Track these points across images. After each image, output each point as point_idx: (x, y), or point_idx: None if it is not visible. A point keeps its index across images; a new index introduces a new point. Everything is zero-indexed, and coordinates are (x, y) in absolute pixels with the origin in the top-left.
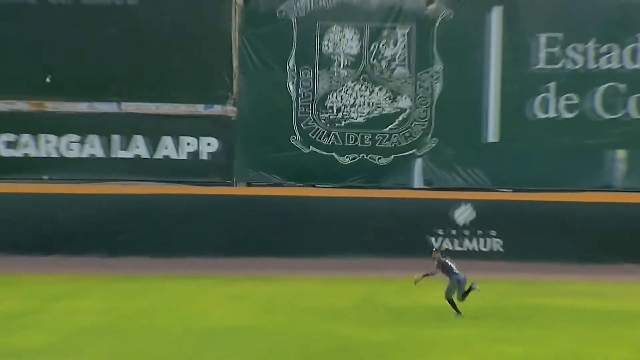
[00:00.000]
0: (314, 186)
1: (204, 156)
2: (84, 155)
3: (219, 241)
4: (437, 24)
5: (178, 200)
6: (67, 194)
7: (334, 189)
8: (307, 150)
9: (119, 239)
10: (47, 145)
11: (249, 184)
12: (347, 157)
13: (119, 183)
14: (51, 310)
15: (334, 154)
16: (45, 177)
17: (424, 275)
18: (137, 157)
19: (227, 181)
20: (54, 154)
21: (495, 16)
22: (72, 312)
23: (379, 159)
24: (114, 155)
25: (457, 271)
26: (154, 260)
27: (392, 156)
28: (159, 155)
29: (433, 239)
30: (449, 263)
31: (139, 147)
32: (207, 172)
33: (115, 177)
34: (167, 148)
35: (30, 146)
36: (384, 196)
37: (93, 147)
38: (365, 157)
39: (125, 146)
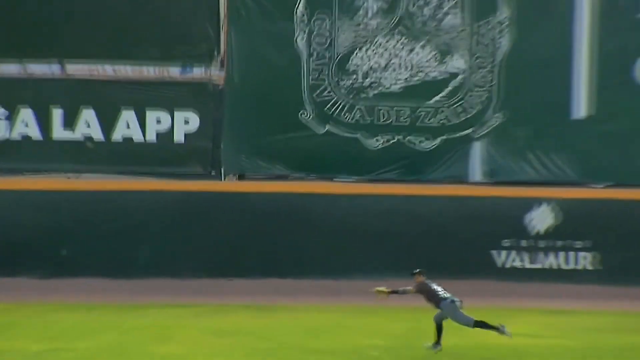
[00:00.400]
0: (331, 180)
1: (179, 138)
2: (13, 136)
3: (200, 257)
4: None
5: (144, 200)
6: None
7: (358, 184)
8: (322, 131)
9: (63, 253)
10: None
11: (241, 177)
12: (377, 140)
13: (61, 176)
14: None
15: (359, 135)
16: None
17: (391, 292)
18: (87, 140)
19: (212, 173)
20: None
21: None
22: None
23: (421, 142)
24: (54, 137)
25: (447, 295)
26: (110, 282)
27: (440, 138)
28: (116, 136)
29: (496, 254)
30: (434, 287)
31: (89, 126)
32: (184, 160)
33: (55, 167)
34: (128, 127)
35: None
36: (427, 194)
37: (26, 126)
38: (402, 139)
39: (70, 124)
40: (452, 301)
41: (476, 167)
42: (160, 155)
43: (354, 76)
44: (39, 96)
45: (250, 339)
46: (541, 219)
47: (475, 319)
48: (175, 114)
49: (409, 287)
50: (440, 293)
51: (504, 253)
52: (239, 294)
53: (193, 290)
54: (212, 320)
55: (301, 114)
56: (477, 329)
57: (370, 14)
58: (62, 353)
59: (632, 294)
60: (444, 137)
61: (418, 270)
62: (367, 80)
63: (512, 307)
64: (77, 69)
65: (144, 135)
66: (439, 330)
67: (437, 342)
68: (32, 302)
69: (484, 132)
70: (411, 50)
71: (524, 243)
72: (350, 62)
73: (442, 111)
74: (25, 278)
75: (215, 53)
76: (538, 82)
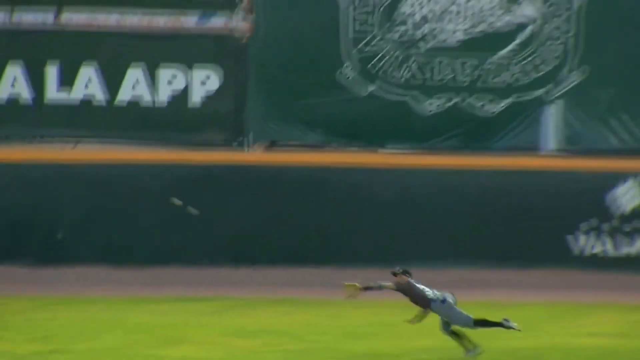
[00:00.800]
0: (376, 150)
1: (196, 100)
2: (0, 99)
3: (219, 241)
4: None
5: (153, 174)
6: None
7: (409, 155)
8: (366, 92)
9: (58, 236)
10: None
11: (269, 147)
12: (431, 103)
13: (56, 144)
14: None
15: (409, 97)
16: None
17: (366, 288)
18: (87, 102)
19: (235, 142)
20: None
21: None
22: None
23: (483, 105)
24: (48, 99)
25: (437, 294)
26: (113, 271)
27: (506, 101)
28: (122, 98)
29: (573, 239)
30: (420, 287)
31: (89, 86)
32: (201, 126)
33: (49, 135)
34: (135, 87)
35: None
36: (490, 167)
37: (13, 86)
38: (461, 102)
39: (66, 84)
40: (444, 301)
41: (549, 134)
42: (174, 121)
43: (404, 27)
44: (30, 51)
45: (279, 340)
46: (627, 197)
47: (475, 317)
48: (191, 72)
49: (388, 283)
50: (428, 293)
51: (582, 238)
52: (266, 286)
53: (211, 282)
54: (234, 318)
55: (340, 71)
56: (480, 329)
57: None
58: (57, 356)
59: None
60: (511, 99)
61: (400, 270)
62: (419, 31)
63: (592, 301)
64: (74, 18)
65: (154, 97)
66: (458, 337)
67: (469, 348)
68: (21, 294)
69: (559, 93)
70: None
71: (606, 226)
72: (399, 9)
73: (509, 68)
74: (12, 266)
75: None
76: (625, 33)
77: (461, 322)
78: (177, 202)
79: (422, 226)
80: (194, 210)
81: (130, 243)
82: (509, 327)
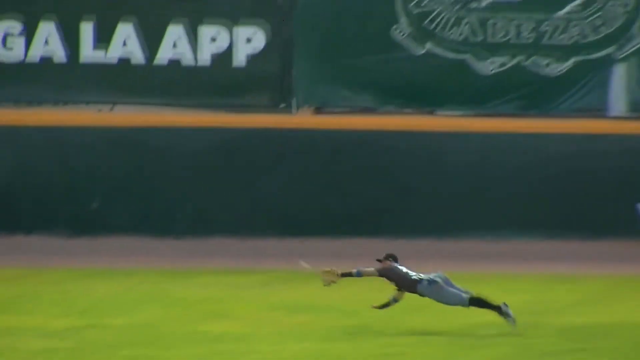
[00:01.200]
0: (432, 114)
1: (239, 61)
2: (31, 58)
3: (264, 210)
4: None
5: (194, 139)
6: (1, 125)
7: (467, 119)
8: (421, 51)
9: (93, 206)
10: None
11: (317, 110)
12: (491, 63)
13: (91, 108)
14: None
15: (468, 57)
16: None
17: (344, 275)
18: (125, 62)
19: (281, 104)
20: None
21: None
22: (7, 334)
23: (547, 64)
24: (83, 59)
25: (422, 276)
26: (152, 242)
27: (572, 60)
28: (161, 58)
29: None
30: (405, 270)
31: (127, 44)
32: (246, 88)
33: (84, 98)
34: (176, 45)
35: None
36: (554, 131)
37: (47, 44)
38: (523, 61)
39: (103, 41)
40: (430, 282)
41: (618, 96)
42: (216, 83)
43: None
44: (64, 6)
45: (330, 316)
46: None
47: (472, 295)
48: (235, 30)
49: (370, 268)
50: (413, 276)
51: None
52: (315, 258)
53: (256, 253)
54: (280, 292)
55: (394, 29)
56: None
57: None
58: (91, 331)
59: None
60: (578, 58)
61: (385, 255)
62: None
63: None
64: None
65: (196, 57)
66: (483, 305)
67: (502, 313)
68: (54, 266)
69: (629, 52)
70: None
71: None
72: None
73: (576, 25)
74: (45, 237)
75: None
76: None
77: (454, 302)
78: (305, 265)
79: (480, 194)
80: (306, 266)
81: (169, 212)
82: (505, 316)
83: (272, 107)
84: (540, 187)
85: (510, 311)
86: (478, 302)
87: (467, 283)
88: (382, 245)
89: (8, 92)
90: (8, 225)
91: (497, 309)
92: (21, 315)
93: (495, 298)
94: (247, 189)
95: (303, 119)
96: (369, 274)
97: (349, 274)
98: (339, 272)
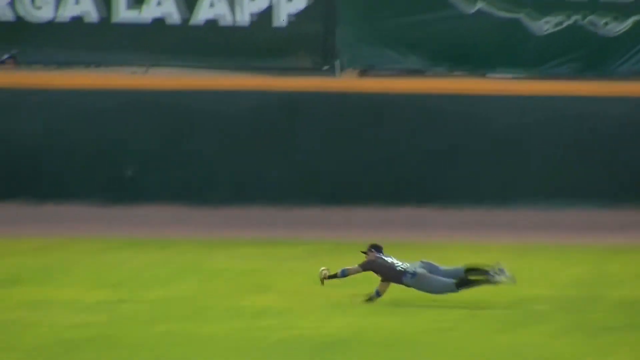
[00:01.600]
0: (483, 76)
1: (280, 20)
2: (61, 17)
3: (308, 178)
4: None
5: (233, 102)
6: (29, 88)
7: (520, 81)
8: (472, 10)
9: (128, 173)
10: None
11: (363, 73)
12: (546, 22)
13: (125, 70)
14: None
15: (522, 15)
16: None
17: (331, 277)
18: (160, 22)
19: (324, 67)
20: (9, 17)
21: None
22: (38, 307)
23: (606, 24)
24: (116, 19)
25: (406, 267)
26: (189, 211)
27: (633, 19)
28: (198, 18)
29: None
30: (390, 261)
31: (161, 3)
32: (287, 50)
33: (117, 59)
34: (213, 5)
35: None
36: (613, 94)
37: (78, 3)
38: (580, 20)
39: (137, 1)
40: (414, 274)
41: None
42: (256, 44)
43: None
44: None
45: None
46: None
47: (456, 280)
48: None
49: (355, 267)
50: (398, 266)
51: None
52: (361, 228)
53: (299, 223)
54: (324, 264)
55: None
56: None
57: None
58: (126, 305)
59: None
60: (637, 17)
61: (370, 245)
62: None
63: None
64: None
65: (235, 17)
66: (472, 283)
67: (492, 280)
68: (88, 236)
69: None
70: None
71: None
72: None
73: None
74: (78, 205)
75: None
76: None
77: (442, 291)
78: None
79: (533, 161)
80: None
81: (207, 180)
82: (495, 283)
83: (314, 69)
84: (597, 153)
85: (505, 273)
86: (466, 282)
87: (518, 256)
88: (428, 214)
89: (37, 53)
90: (37, 193)
91: (486, 274)
92: (51, 287)
93: (548, 272)
94: (288, 156)
95: (347, 82)
96: (354, 272)
97: (334, 276)
98: (323, 276)
